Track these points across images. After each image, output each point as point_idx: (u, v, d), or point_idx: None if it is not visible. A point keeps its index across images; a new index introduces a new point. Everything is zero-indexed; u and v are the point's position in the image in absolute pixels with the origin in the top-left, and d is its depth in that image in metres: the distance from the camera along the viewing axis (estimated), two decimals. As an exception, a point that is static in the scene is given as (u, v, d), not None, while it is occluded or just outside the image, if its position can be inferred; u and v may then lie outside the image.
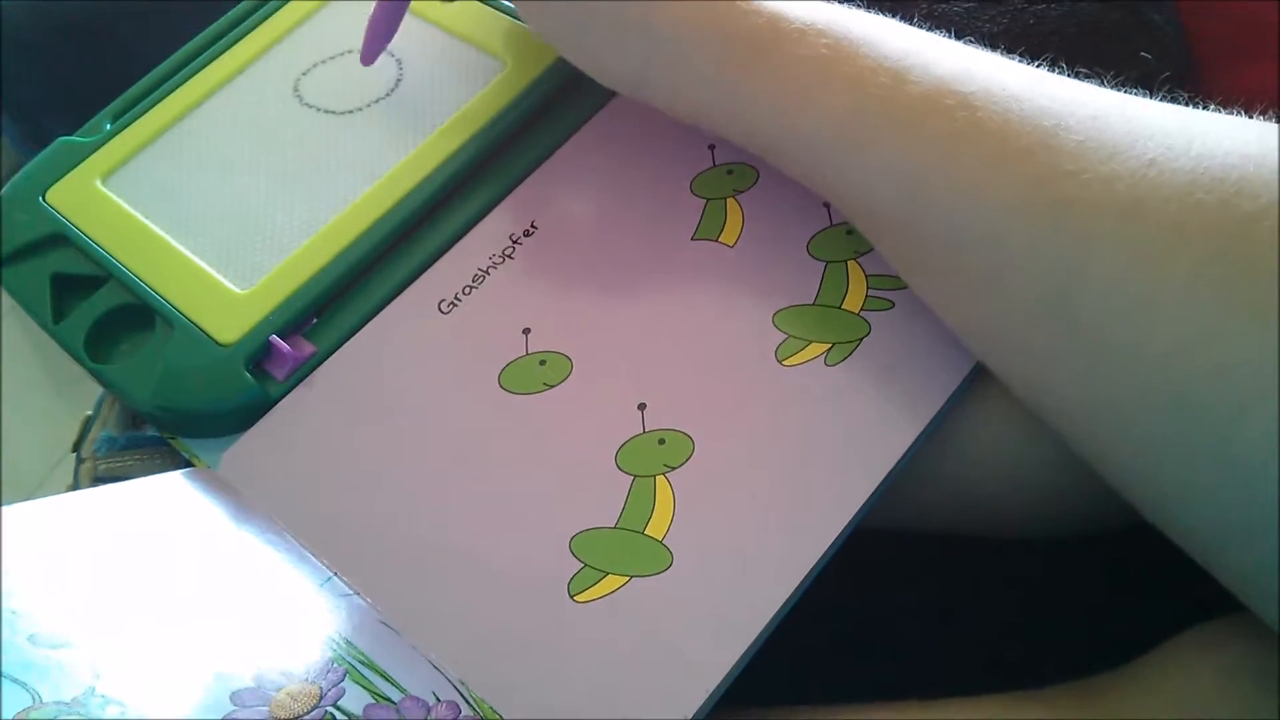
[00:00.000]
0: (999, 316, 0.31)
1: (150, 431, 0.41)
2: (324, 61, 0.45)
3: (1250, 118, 0.29)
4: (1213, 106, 0.30)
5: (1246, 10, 0.43)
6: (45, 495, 0.33)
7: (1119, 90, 0.31)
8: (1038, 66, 0.32)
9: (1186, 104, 0.30)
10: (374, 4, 0.43)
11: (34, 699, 0.26)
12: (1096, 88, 0.31)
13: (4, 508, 0.32)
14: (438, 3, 0.45)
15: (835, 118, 0.32)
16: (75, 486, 0.43)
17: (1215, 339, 0.26)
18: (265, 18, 0.46)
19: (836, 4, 0.35)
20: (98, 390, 0.42)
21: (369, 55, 0.44)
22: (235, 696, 0.29)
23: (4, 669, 0.26)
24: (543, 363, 0.36)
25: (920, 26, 0.34)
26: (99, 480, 0.43)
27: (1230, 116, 0.29)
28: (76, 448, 0.44)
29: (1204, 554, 0.29)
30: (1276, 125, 0.28)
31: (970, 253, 0.30)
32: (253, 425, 0.36)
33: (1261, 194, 0.26)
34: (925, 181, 0.31)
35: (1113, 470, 0.30)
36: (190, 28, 0.47)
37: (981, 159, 0.30)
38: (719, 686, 0.31)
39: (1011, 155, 0.29)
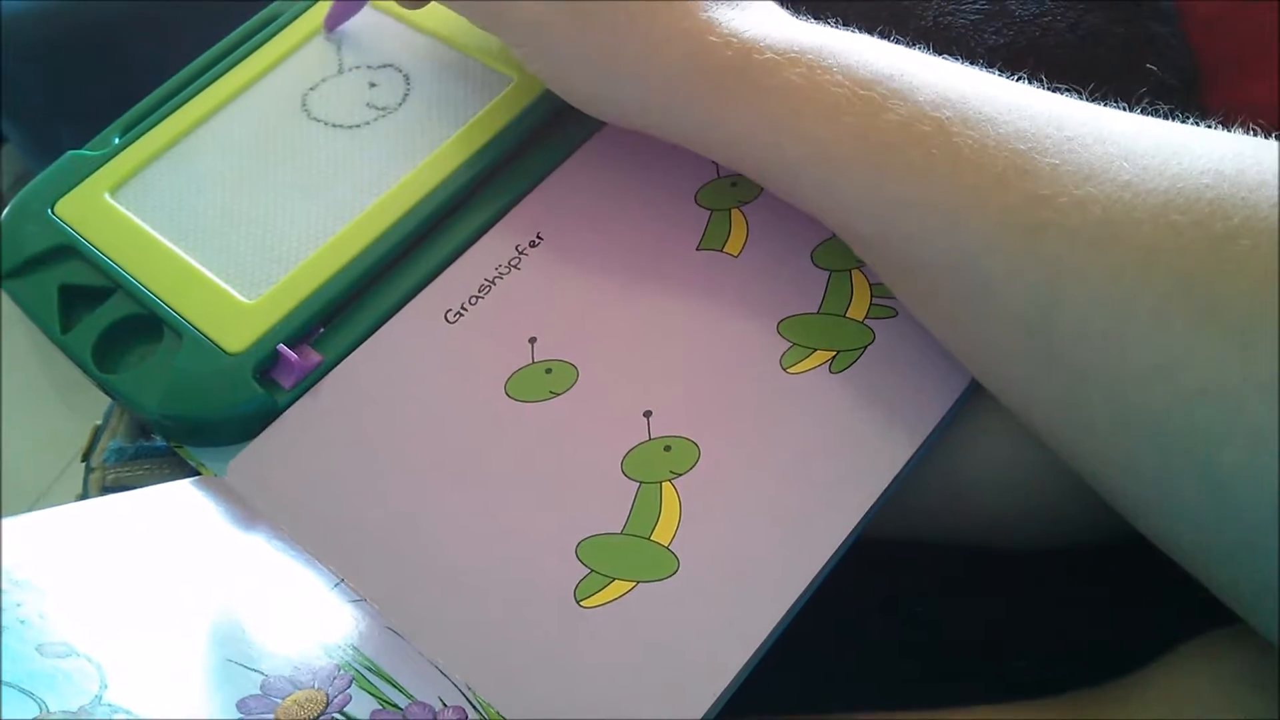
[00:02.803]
0: (980, 341, 0.31)
1: (159, 441, 0.42)
2: (332, 76, 0.45)
3: (1229, 130, 0.29)
4: (1192, 120, 0.30)
5: (1251, 26, 0.43)
6: (50, 503, 0.34)
7: (1119, 105, 0.31)
8: (1042, 79, 0.32)
9: (1177, 118, 0.30)
10: None
11: (41, 708, 0.26)
12: (1077, 103, 0.31)
13: (14, 518, 0.32)
14: (444, 19, 0.45)
15: (810, 149, 0.32)
16: (84, 496, 0.44)
17: (1190, 363, 0.26)
18: (274, 33, 0.46)
19: (820, 24, 0.35)
20: (103, 400, 0.42)
21: (331, 22, 0.45)
22: (242, 704, 0.29)
23: (12, 679, 0.27)
24: (549, 371, 0.36)
25: (925, 39, 0.34)
26: (108, 490, 0.43)
27: (1210, 132, 0.29)
28: (86, 457, 0.44)
29: (1194, 569, 0.29)
30: (1253, 140, 0.28)
31: (948, 280, 0.30)
32: (260, 434, 0.37)
33: (1234, 214, 0.26)
34: (901, 211, 0.31)
35: (1101, 489, 0.30)
36: (196, 36, 0.48)
37: (956, 188, 0.30)
38: (726, 690, 0.31)
39: (986, 182, 0.29)
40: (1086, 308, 0.27)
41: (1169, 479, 0.27)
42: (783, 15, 0.35)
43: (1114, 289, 0.27)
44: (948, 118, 0.30)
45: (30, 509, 0.33)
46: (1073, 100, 0.31)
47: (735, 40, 0.33)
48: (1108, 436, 0.28)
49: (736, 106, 0.33)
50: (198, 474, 0.37)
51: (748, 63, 0.33)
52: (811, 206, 0.34)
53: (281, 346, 0.37)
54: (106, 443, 0.43)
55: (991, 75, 0.32)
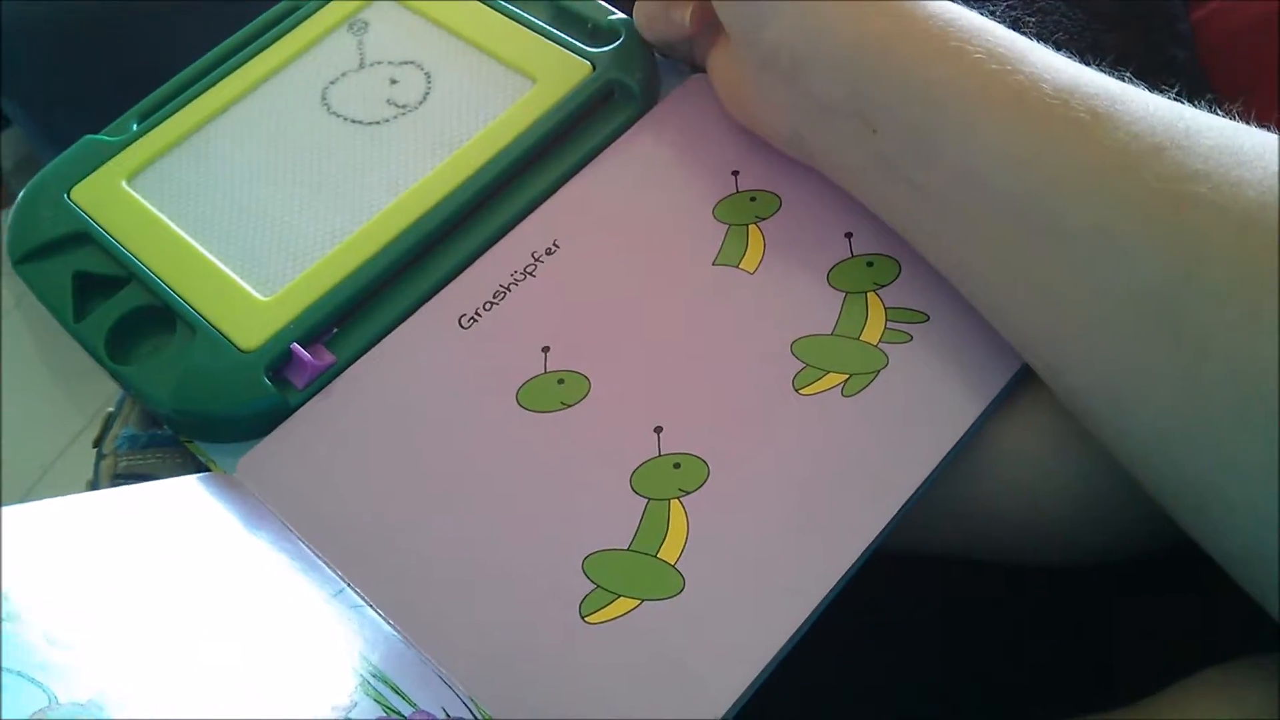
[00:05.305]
0: (1101, 314, 0.30)
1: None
2: (353, 71, 0.45)
3: None
4: None
5: (1254, 49, 0.43)
6: (45, 490, 0.34)
7: None
8: None
9: None
10: None
11: (50, 699, 0.26)
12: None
13: (23, 505, 0.32)
14: (468, 19, 0.45)
15: (967, 83, 0.32)
16: (95, 482, 0.44)
17: None
18: (295, 24, 0.46)
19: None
20: (102, 388, 0.42)
21: None
22: (249, 702, 0.29)
23: (21, 668, 0.27)
24: (561, 381, 0.37)
25: None
26: (119, 477, 0.43)
27: None
28: (98, 444, 0.44)
29: (1262, 584, 0.29)
30: None
31: (1082, 241, 0.30)
32: (270, 432, 0.37)
33: None
34: (1049, 163, 0.31)
35: (1171, 489, 0.30)
36: (200, 20, 0.47)
37: (1113, 147, 0.30)
38: (729, 711, 0.31)
39: (1144, 150, 0.29)
40: (1222, 288, 0.27)
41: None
42: None
43: (1256, 274, 0.27)
44: (1107, 89, 0.31)
45: (25, 495, 0.33)
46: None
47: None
48: (1219, 429, 0.28)
49: (893, 37, 0.33)
50: (201, 459, 0.38)
51: (911, 4, 0.34)
52: (936, 153, 0.33)
53: (295, 346, 0.37)
54: (119, 430, 0.43)
55: None
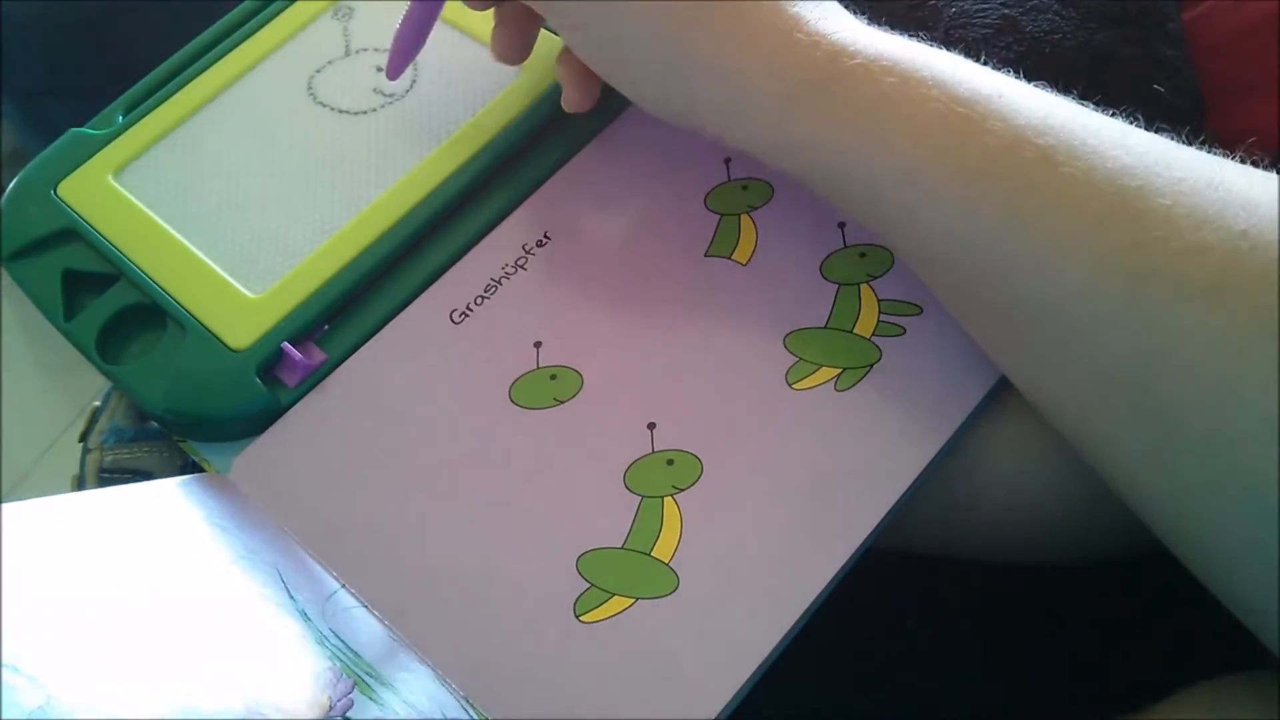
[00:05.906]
0: (1069, 386, 0.30)
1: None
2: (339, 59, 0.44)
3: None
4: (1200, 144, 0.29)
5: (1254, 50, 0.43)
6: (33, 484, 0.33)
7: (1144, 127, 0.30)
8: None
9: (1185, 142, 0.30)
10: (403, 14, 0.40)
11: (48, 698, 0.27)
12: (1181, 146, 0.29)
13: (16, 503, 0.32)
14: (455, 3, 0.44)
15: (899, 167, 0.30)
16: (81, 477, 0.44)
17: None
18: (280, 11, 0.46)
19: (901, 37, 0.33)
20: (91, 381, 0.42)
21: (394, 69, 0.41)
22: (244, 702, 0.29)
23: (16, 666, 0.27)
24: (553, 377, 0.36)
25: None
26: (105, 471, 0.43)
27: None
28: (84, 438, 0.44)
29: (1256, 624, 0.28)
30: None
31: (1043, 320, 0.29)
32: (263, 432, 0.36)
33: None
34: (997, 240, 0.29)
35: (1156, 526, 0.30)
36: (194, 13, 0.47)
37: (1061, 221, 0.28)
38: (724, 709, 0.31)
39: (1094, 218, 0.28)
40: (1192, 365, 0.26)
41: (1258, 546, 0.26)
42: (864, 24, 0.33)
43: (1225, 349, 0.26)
44: (1052, 145, 0.29)
45: (14, 489, 0.33)
46: (1176, 143, 0.30)
47: (824, 41, 0.31)
48: (1196, 498, 0.27)
49: (820, 114, 0.31)
50: (194, 458, 0.37)
51: (836, 67, 0.31)
52: (887, 231, 0.32)
53: (286, 345, 0.37)
54: (105, 424, 0.43)
55: (1088, 108, 0.31)
